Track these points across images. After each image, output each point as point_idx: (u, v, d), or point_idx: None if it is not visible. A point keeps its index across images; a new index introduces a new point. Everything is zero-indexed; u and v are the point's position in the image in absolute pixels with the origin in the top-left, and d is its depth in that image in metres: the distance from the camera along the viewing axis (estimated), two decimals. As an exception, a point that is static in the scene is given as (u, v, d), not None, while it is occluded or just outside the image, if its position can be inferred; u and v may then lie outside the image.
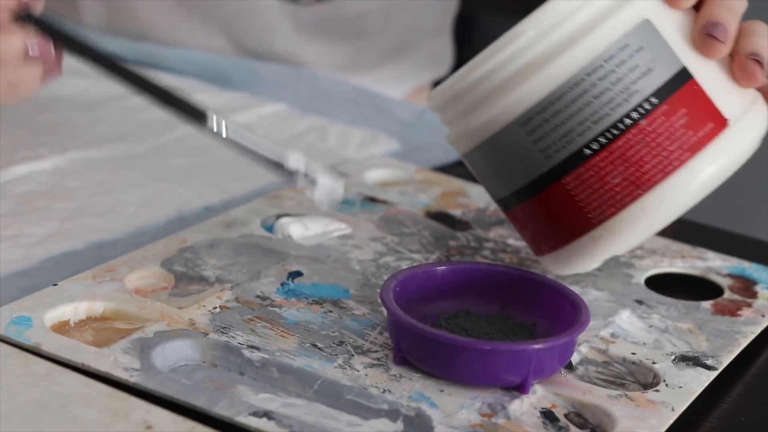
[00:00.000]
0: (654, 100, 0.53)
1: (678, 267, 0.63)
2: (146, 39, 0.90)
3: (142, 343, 0.52)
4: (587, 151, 0.54)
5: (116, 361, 0.50)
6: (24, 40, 0.57)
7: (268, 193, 0.68)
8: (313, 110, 0.82)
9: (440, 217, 0.67)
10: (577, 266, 0.56)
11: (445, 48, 1.02)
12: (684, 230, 0.67)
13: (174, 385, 0.50)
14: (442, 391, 0.51)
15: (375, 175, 0.71)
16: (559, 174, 0.54)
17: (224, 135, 0.56)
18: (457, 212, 0.67)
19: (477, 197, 0.69)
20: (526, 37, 0.54)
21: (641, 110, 0.53)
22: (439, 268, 0.56)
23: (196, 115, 0.57)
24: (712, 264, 0.64)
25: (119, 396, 0.48)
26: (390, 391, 0.50)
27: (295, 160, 0.56)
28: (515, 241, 0.64)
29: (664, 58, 0.54)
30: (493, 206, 0.68)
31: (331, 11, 0.90)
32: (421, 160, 0.76)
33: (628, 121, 0.53)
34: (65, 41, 0.57)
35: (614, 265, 0.62)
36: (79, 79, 0.81)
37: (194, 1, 0.89)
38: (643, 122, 0.53)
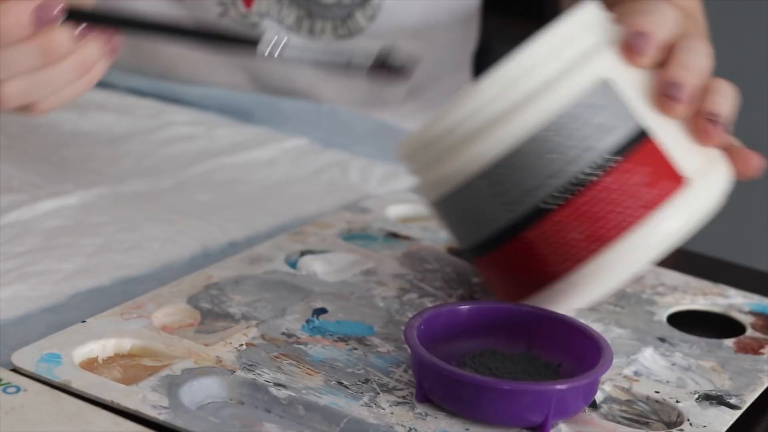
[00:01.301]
0: (612, 157, 0.54)
1: (700, 304, 0.64)
2: (169, 77, 0.91)
3: (170, 381, 0.52)
4: (546, 206, 0.54)
5: (145, 398, 0.51)
6: (67, 31, 0.59)
7: (291, 228, 0.68)
8: (335, 144, 0.82)
9: (462, 253, 0.67)
10: None
11: (463, 83, 1.03)
12: (705, 267, 0.67)
13: (202, 423, 0.50)
14: (467, 430, 0.51)
15: (396, 210, 0.72)
16: (521, 228, 0.55)
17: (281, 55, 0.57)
18: None
19: None
20: (487, 93, 0.55)
21: (599, 167, 0.54)
22: (465, 306, 0.57)
23: (251, 42, 0.59)
24: (734, 301, 0.64)
25: (150, 435, 0.49)
26: (415, 430, 0.51)
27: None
28: None
29: (622, 117, 0.54)
30: (514, 243, 0.68)
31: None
32: None
33: (585, 178, 0.54)
34: (102, 21, 0.60)
35: (636, 302, 0.63)
36: (103, 114, 0.82)
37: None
38: (601, 179, 0.54)
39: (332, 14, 0.87)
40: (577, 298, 0.55)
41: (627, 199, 0.53)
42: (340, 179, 0.77)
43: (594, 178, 0.53)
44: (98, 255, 0.64)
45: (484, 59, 0.98)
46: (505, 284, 0.57)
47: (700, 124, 0.57)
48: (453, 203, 0.56)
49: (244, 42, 0.58)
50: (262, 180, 0.76)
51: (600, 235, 0.53)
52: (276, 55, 0.57)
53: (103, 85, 0.88)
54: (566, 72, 0.54)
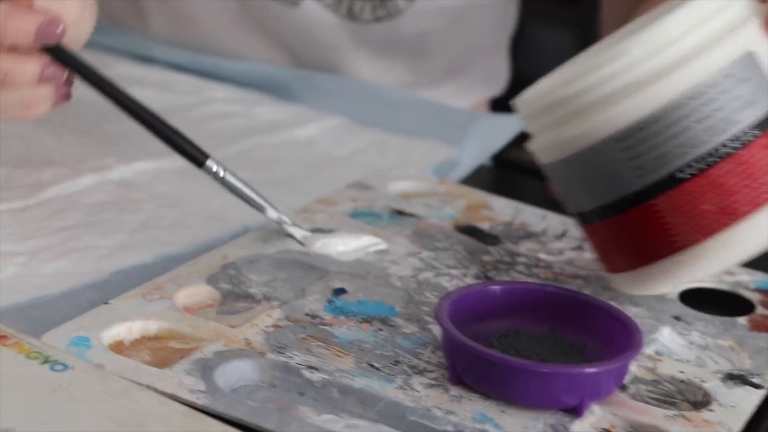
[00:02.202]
0: (751, 131, 0.54)
1: (708, 282, 0.65)
2: (209, 51, 0.89)
3: (203, 364, 0.52)
4: (681, 175, 0.54)
5: (181, 382, 0.51)
6: (41, 64, 0.59)
7: None
8: (374, 121, 0.82)
9: (470, 231, 0.67)
10: (652, 288, 0.57)
11: (501, 65, 1.02)
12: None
13: (241, 407, 0.50)
14: (503, 411, 0.52)
15: (398, 186, 0.72)
16: (651, 194, 0.55)
17: (221, 176, 0.61)
18: (485, 226, 0.68)
19: (501, 210, 0.70)
20: (631, 56, 0.55)
21: (738, 140, 0.54)
22: (491, 287, 0.57)
23: (196, 159, 0.62)
24: (740, 278, 0.65)
25: (195, 416, 0.48)
26: (453, 413, 0.51)
27: (272, 213, 0.62)
28: (546, 255, 0.66)
29: (764, 91, 0.55)
30: (519, 220, 0.69)
31: (390, 30, 0.91)
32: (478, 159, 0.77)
33: (725, 150, 0.54)
34: (79, 71, 0.62)
35: (647, 280, 0.64)
36: (143, 89, 0.81)
37: (256, 15, 0.88)
38: (740, 152, 0.54)
39: None
40: (698, 271, 0.55)
41: (763, 175, 0.53)
42: (378, 159, 0.77)
43: (731, 151, 0.54)
44: (140, 231, 0.65)
45: (519, 40, 0.98)
46: (622, 251, 0.57)
47: None
48: (580, 164, 0.56)
49: (189, 157, 0.62)
50: (300, 159, 0.76)
51: (733, 210, 0.54)
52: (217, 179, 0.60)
53: (143, 59, 0.87)
54: (712, 42, 0.54)
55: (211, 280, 0.58)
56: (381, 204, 0.68)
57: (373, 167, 0.74)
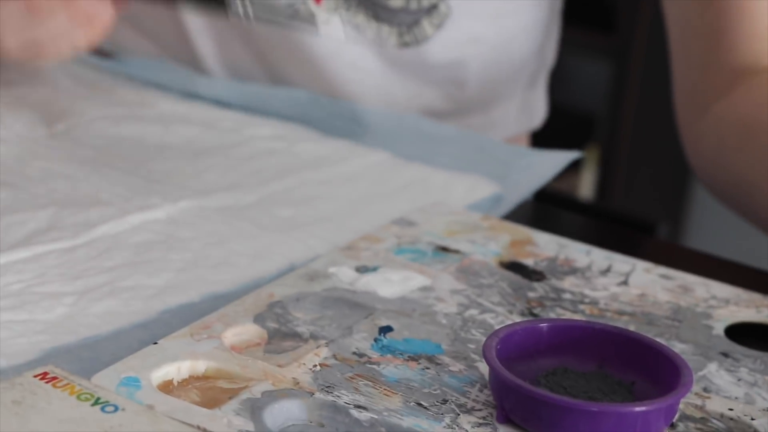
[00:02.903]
0: None
1: (754, 317, 0.65)
2: (245, 78, 0.90)
3: (252, 404, 0.52)
4: None
5: (230, 423, 0.51)
6: None
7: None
8: (416, 156, 0.82)
9: (514, 267, 0.67)
10: None
11: (538, 99, 1.02)
12: (752, 278, 0.68)
13: None
14: (552, 451, 0.52)
15: (442, 223, 0.73)
16: None
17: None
18: (529, 261, 0.68)
19: (545, 246, 0.70)
20: None
21: None
22: (538, 325, 0.57)
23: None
24: (787, 314, 0.65)
25: (245, 459, 0.49)
26: (501, 452, 0.51)
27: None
28: (591, 291, 0.66)
29: None
30: (563, 255, 0.69)
31: (417, 56, 0.91)
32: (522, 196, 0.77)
33: None
34: None
35: (692, 315, 0.64)
36: (187, 127, 0.82)
37: (288, 40, 0.90)
38: None
39: (398, 20, 0.88)
40: None
41: None
42: (422, 194, 0.77)
43: None
44: (187, 271, 0.65)
45: (555, 70, 0.98)
46: None
47: None
48: None
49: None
50: (344, 196, 0.76)
51: None
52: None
53: (186, 93, 0.87)
54: None
55: (258, 319, 0.58)
56: (425, 240, 0.68)
57: (416, 203, 0.74)
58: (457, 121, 0.94)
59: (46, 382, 0.49)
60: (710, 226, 2.08)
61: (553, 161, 0.79)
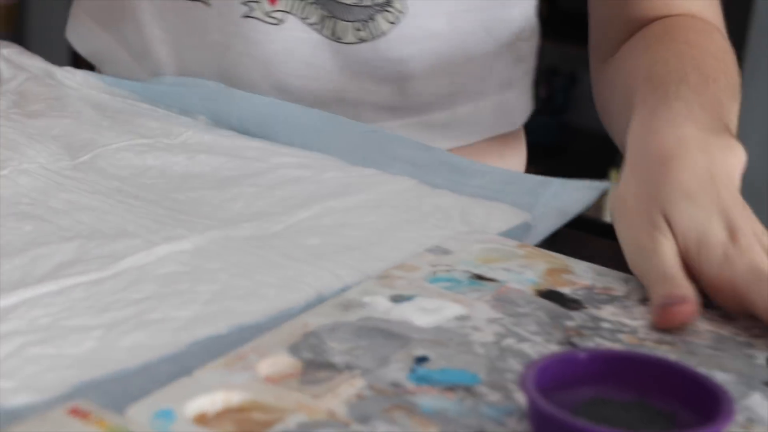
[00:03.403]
0: None
1: (796, 346, 0.64)
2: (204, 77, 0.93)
3: None
4: None
5: None
6: None
7: None
8: (442, 185, 0.82)
9: (551, 295, 0.67)
10: None
11: (517, 102, 1.03)
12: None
13: None
14: (591, 482, 0.51)
15: (477, 251, 0.72)
16: None
17: None
18: (566, 290, 0.68)
19: (582, 274, 0.70)
20: None
21: None
22: (577, 355, 0.56)
23: None
24: (831, 343, 0.64)
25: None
26: (539, 484, 0.50)
27: None
28: (630, 320, 0.65)
29: None
30: (601, 283, 0.69)
31: (373, 52, 0.92)
32: (550, 225, 0.78)
33: None
34: None
35: (734, 345, 0.63)
36: (212, 157, 0.82)
37: (244, 36, 0.92)
38: None
39: (353, 15, 0.88)
40: None
41: None
42: (448, 222, 0.77)
43: None
44: (214, 302, 0.65)
45: (581, 95, 0.98)
46: None
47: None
48: None
49: None
50: (371, 223, 0.76)
51: None
52: None
53: (213, 117, 0.87)
54: None
55: (293, 349, 0.58)
56: (460, 269, 0.67)
57: (443, 230, 0.74)
58: (418, 117, 0.94)
59: (77, 417, 0.49)
60: None
61: (581, 192, 0.80)
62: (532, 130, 1.09)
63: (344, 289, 0.66)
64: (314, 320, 0.61)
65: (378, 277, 0.66)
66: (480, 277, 0.67)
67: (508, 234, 0.75)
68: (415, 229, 0.76)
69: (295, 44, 0.92)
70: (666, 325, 0.62)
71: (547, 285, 0.67)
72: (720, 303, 0.63)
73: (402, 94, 0.96)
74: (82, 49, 1.03)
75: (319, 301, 0.65)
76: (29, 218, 0.73)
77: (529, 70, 1.02)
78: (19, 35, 1.02)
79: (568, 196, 0.78)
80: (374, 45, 0.92)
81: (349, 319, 0.61)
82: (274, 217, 0.75)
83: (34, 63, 0.97)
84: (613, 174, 2.15)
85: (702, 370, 0.57)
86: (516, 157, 1.03)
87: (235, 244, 0.71)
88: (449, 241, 0.71)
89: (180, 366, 0.58)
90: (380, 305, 0.63)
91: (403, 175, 0.83)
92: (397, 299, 0.64)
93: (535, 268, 0.69)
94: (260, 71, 0.94)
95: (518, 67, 1.00)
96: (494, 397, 0.55)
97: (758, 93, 2.17)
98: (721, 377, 0.59)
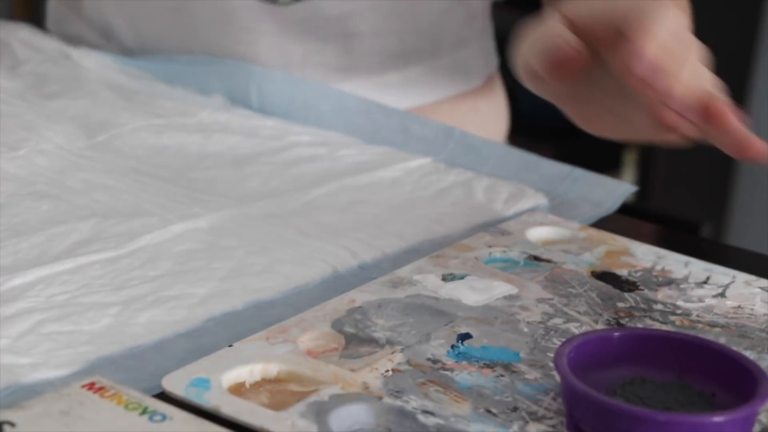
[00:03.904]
0: None
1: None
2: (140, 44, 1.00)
3: (318, 407, 0.55)
4: None
5: (294, 424, 0.54)
6: None
7: (419, 251, 0.75)
8: (459, 165, 0.89)
9: (606, 277, 0.68)
10: None
11: (474, 60, 1.04)
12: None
13: None
14: (620, 460, 0.52)
15: (538, 233, 0.73)
16: None
17: None
18: (623, 272, 0.69)
19: (642, 256, 0.71)
20: None
21: None
22: (615, 334, 0.58)
23: None
24: None
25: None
26: (568, 460, 0.51)
27: None
28: (684, 302, 0.65)
29: None
30: (660, 266, 0.68)
31: (312, 11, 0.93)
32: (569, 217, 0.82)
33: None
34: None
35: (789, 329, 0.63)
36: (228, 135, 0.87)
37: (177, 2, 0.99)
38: None
39: None
40: None
41: None
42: (465, 200, 0.84)
43: None
44: (230, 279, 0.72)
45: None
46: None
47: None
48: None
49: None
50: (386, 200, 0.83)
51: None
52: None
53: (231, 98, 0.90)
54: None
55: (336, 324, 0.61)
56: (517, 250, 0.67)
57: (459, 208, 0.82)
58: (367, 78, 0.97)
59: (94, 393, 0.54)
60: (753, 227, 2.05)
61: (605, 188, 0.84)
62: (547, 110, 1.08)
63: (361, 267, 0.75)
64: (361, 296, 0.64)
65: (432, 256, 0.66)
66: (537, 258, 0.67)
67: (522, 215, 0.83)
68: (430, 206, 0.84)
69: (232, 11, 0.95)
70: (554, 72, 0.65)
71: (603, 266, 0.68)
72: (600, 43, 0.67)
73: (348, 54, 0.97)
74: (60, 34, 1.06)
75: (335, 277, 0.74)
76: (46, 197, 0.81)
77: (485, 28, 1.12)
78: (37, 20, 1.08)
79: (589, 187, 0.79)
80: (311, 4, 0.93)
81: (398, 296, 0.62)
82: (290, 195, 0.84)
83: (51, 44, 1.02)
84: (627, 155, 2.15)
85: (750, 353, 0.57)
86: (492, 109, 1.05)
87: (250, 222, 0.80)
88: (508, 223, 0.72)
89: (196, 342, 0.67)
90: (430, 283, 0.64)
91: (418, 154, 0.90)
92: (449, 278, 0.64)
93: (594, 251, 0.70)
94: (200, 38, 0.96)
95: (471, 24, 1.03)
96: (532, 375, 0.57)
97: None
98: (769, 360, 0.59)
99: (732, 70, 1.84)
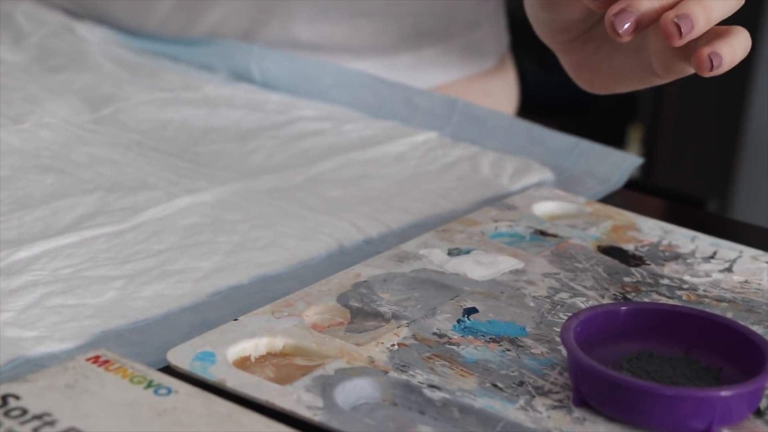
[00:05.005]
0: None
1: None
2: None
3: (324, 381, 0.54)
4: None
5: (299, 399, 0.53)
6: None
7: (425, 225, 0.75)
8: (465, 138, 0.89)
9: (613, 251, 0.68)
10: None
11: (487, 41, 1.05)
12: None
13: (358, 424, 0.53)
14: (628, 434, 0.52)
15: (544, 207, 0.72)
16: None
17: None
18: (629, 247, 0.69)
19: (649, 231, 0.71)
20: None
21: None
22: (622, 308, 0.57)
23: None
24: None
25: (302, 438, 0.50)
26: (575, 434, 0.51)
27: None
28: (691, 277, 0.65)
29: None
30: (666, 240, 0.68)
31: None
32: (576, 192, 0.82)
33: None
34: None
35: (794, 303, 0.63)
36: (233, 110, 0.87)
37: None
38: None
39: None
40: None
41: None
42: (471, 174, 0.84)
43: None
44: (235, 253, 0.72)
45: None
46: None
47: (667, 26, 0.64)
48: None
49: None
50: (392, 175, 0.83)
51: None
52: None
53: (235, 75, 0.90)
54: None
55: (342, 299, 0.61)
56: (524, 224, 0.67)
57: (465, 182, 0.82)
58: (379, 59, 1.01)
59: (99, 366, 0.54)
60: (759, 202, 2.06)
61: (611, 161, 0.84)
62: (554, 87, 1.08)
63: (366, 241, 0.75)
64: (366, 271, 0.63)
65: (438, 230, 0.66)
66: (543, 233, 0.67)
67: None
68: (436, 180, 0.84)
69: None
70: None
71: (609, 241, 0.68)
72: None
73: (359, 35, 0.96)
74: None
75: (340, 252, 0.74)
76: (50, 171, 0.81)
77: (497, 9, 1.11)
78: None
79: (595, 160, 0.79)
80: None
81: (403, 271, 0.61)
82: (295, 169, 0.84)
83: (55, 18, 1.01)
84: (632, 131, 2.17)
85: (758, 328, 0.58)
86: (503, 90, 1.05)
87: (255, 196, 0.80)
88: (514, 197, 0.72)
89: (201, 316, 0.67)
90: (436, 258, 0.64)
91: (423, 127, 0.91)
92: (454, 252, 0.64)
93: (601, 225, 0.70)
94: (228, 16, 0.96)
95: (484, 6, 1.02)
96: (538, 349, 0.57)
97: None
98: (778, 335, 0.58)
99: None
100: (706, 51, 0.65)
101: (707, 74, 0.66)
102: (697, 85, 2.18)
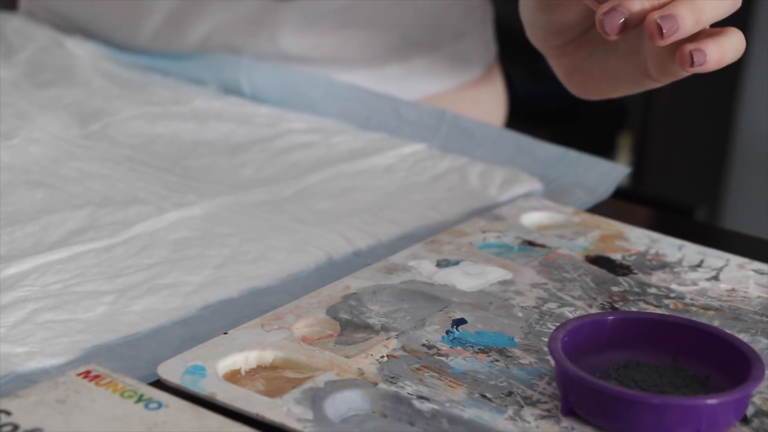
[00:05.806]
0: None
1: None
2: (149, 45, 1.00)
3: (314, 393, 0.55)
4: None
5: (289, 411, 0.53)
6: None
7: (414, 237, 0.76)
8: (453, 150, 0.90)
9: (601, 261, 0.69)
10: None
11: (474, 51, 1.05)
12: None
13: None
14: (615, 444, 0.52)
15: (532, 218, 0.73)
16: None
17: None
18: (617, 256, 0.69)
19: (636, 240, 0.71)
20: None
21: None
22: (609, 317, 0.58)
23: None
24: None
25: (291, 452, 0.51)
26: (563, 443, 0.52)
27: None
28: (678, 286, 0.66)
29: None
30: (654, 249, 0.68)
31: (310, 4, 0.92)
32: (564, 202, 0.83)
33: None
34: None
35: (781, 311, 0.64)
36: (222, 123, 0.87)
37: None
38: None
39: None
40: None
41: None
42: (459, 185, 0.85)
43: None
44: (225, 266, 0.73)
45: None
46: None
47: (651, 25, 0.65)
48: None
49: None
50: (381, 187, 0.84)
51: None
52: None
53: (225, 89, 0.90)
54: None
55: (331, 311, 0.61)
56: (512, 235, 0.68)
57: (453, 194, 0.82)
58: (367, 71, 1.01)
59: (90, 381, 0.55)
60: (747, 210, 2.07)
61: (599, 171, 0.84)
62: (543, 95, 1.08)
63: (355, 253, 0.76)
64: (355, 283, 0.64)
65: (426, 242, 0.66)
66: (531, 243, 0.67)
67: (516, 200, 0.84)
68: (425, 191, 0.84)
69: (231, 6, 1.01)
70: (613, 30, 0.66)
71: (597, 251, 0.68)
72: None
73: (349, 46, 0.96)
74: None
75: (330, 264, 0.74)
76: (40, 186, 0.81)
77: (485, 17, 1.12)
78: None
79: (583, 171, 0.80)
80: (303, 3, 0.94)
81: (392, 282, 0.62)
82: (284, 182, 0.84)
83: (44, 33, 1.01)
84: (622, 139, 2.18)
85: (744, 336, 0.58)
86: (492, 99, 1.06)
87: (245, 209, 0.81)
88: (502, 208, 0.72)
89: (191, 330, 0.67)
90: (425, 269, 0.65)
91: (412, 139, 0.91)
92: (443, 264, 0.64)
93: (589, 235, 0.71)
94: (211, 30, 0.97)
95: (471, 15, 1.03)
96: (527, 359, 0.57)
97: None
98: (763, 343, 0.66)
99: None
100: (689, 47, 0.65)
101: (688, 70, 0.66)
102: (687, 93, 2.19)
